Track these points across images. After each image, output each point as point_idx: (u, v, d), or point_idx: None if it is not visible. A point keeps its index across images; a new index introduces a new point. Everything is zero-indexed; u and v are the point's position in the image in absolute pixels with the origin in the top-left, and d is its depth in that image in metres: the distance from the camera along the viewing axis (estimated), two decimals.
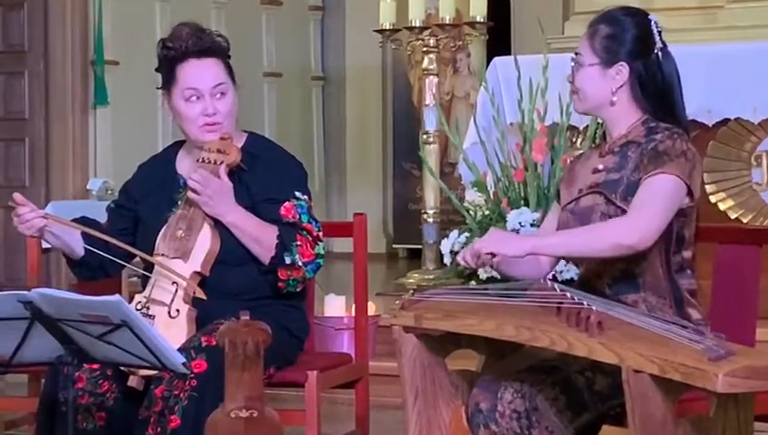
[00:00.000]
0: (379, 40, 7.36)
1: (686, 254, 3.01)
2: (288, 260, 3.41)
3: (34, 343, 2.96)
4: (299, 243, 3.42)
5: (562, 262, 3.85)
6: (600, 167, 3.05)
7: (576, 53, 3.08)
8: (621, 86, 3.02)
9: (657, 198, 2.89)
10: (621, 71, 3.02)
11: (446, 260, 5.55)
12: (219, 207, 3.40)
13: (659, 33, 3.06)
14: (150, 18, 8.81)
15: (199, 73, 3.48)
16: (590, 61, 3.03)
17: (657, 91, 3.05)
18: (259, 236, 3.41)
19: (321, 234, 3.50)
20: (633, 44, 3.02)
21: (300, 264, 3.42)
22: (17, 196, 3.43)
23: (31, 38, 8.36)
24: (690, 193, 2.95)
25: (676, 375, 2.45)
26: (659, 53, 3.04)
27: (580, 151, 3.29)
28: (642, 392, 2.51)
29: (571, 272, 4.26)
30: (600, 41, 3.03)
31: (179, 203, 3.49)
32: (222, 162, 3.43)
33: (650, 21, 3.06)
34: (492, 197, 5.54)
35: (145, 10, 8.81)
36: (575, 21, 7.95)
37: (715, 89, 5.45)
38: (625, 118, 3.05)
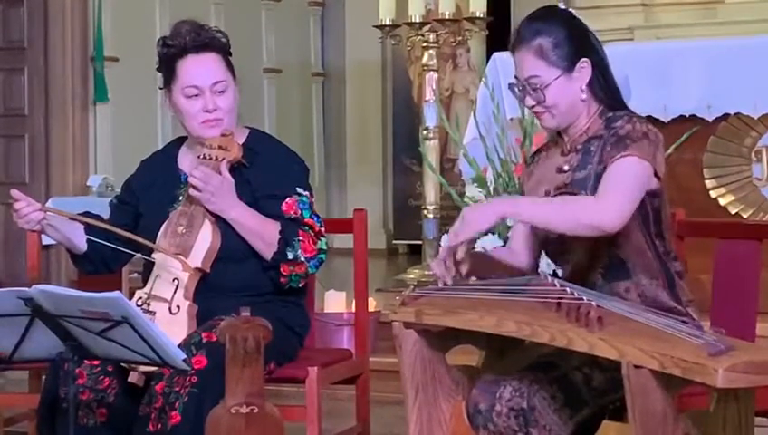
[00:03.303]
0: (379, 36, 7.36)
1: (668, 236, 3.01)
2: (290, 255, 3.41)
3: (35, 339, 2.96)
4: (301, 238, 3.42)
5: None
6: (566, 167, 3.04)
7: (528, 78, 3.01)
8: (586, 82, 3.02)
9: (624, 181, 2.87)
10: (584, 66, 3.00)
11: None
12: (221, 204, 3.40)
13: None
14: (150, 14, 8.81)
15: (199, 69, 3.48)
16: (553, 75, 2.98)
17: (609, 71, 3.06)
18: (261, 232, 3.42)
19: (323, 229, 3.50)
20: (576, 40, 3.01)
21: (302, 259, 3.42)
22: (14, 192, 3.44)
23: (31, 34, 8.37)
24: (657, 174, 2.95)
25: (676, 370, 2.45)
26: (595, 37, 3.05)
27: (534, 152, 3.26)
28: (642, 388, 2.51)
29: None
30: (552, 52, 2.98)
31: (180, 199, 3.50)
32: (223, 159, 3.43)
33: (570, 12, 3.07)
34: (492, 192, 5.54)
35: (145, 6, 8.82)
36: None
37: (715, 84, 5.45)
38: (586, 113, 3.04)
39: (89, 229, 3.53)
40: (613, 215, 2.84)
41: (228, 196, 3.41)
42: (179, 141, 3.67)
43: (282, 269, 3.42)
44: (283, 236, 3.41)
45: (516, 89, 3.06)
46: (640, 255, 2.97)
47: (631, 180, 2.88)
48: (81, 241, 3.55)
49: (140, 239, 3.43)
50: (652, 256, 2.98)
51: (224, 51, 3.53)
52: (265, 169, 3.50)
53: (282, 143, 3.67)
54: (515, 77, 3.06)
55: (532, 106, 3.05)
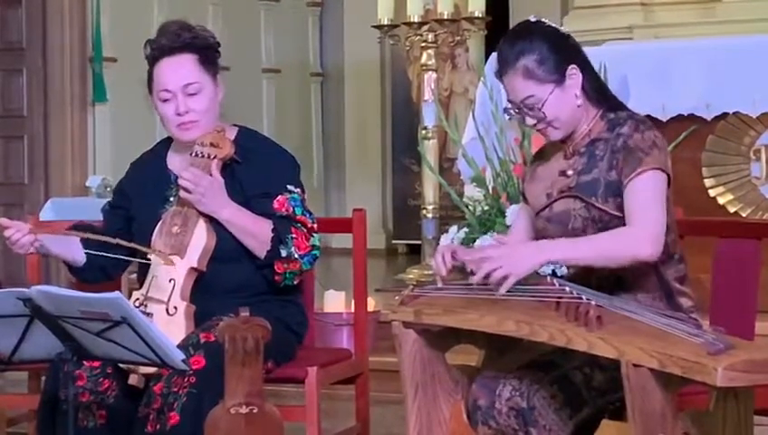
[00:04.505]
0: (378, 35, 7.35)
1: (669, 239, 2.98)
2: (284, 253, 3.40)
3: (34, 340, 2.96)
4: (294, 235, 3.42)
5: None
6: (570, 172, 3.03)
7: (523, 100, 2.99)
8: (579, 87, 3.01)
9: (649, 202, 2.88)
10: (574, 73, 2.99)
11: None
12: (212, 205, 3.39)
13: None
14: (148, 15, 8.81)
15: (170, 73, 3.47)
16: (547, 91, 2.97)
17: (594, 71, 3.06)
18: (254, 231, 3.41)
19: (315, 225, 3.50)
20: (559, 49, 2.99)
21: (296, 256, 3.42)
22: (1, 220, 3.43)
23: (29, 35, 8.37)
24: (669, 180, 2.95)
25: (676, 369, 2.45)
26: (572, 40, 3.05)
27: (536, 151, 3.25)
28: (642, 387, 2.51)
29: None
30: (538, 69, 2.97)
31: (171, 200, 3.49)
32: (215, 156, 3.43)
33: (542, 22, 3.04)
34: (491, 192, 5.54)
35: (143, 6, 8.82)
36: (574, 16, 7.96)
37: (714, 83, 5.44)
38: (585, 117, 3.03)
39: (85, 241, 3.51)
40: (650, 245, 2.85)
41: (219, 196, 3.40)
42: (168, 141, 3.65)
43: (276, 267, 3.42)
44: (275, 234, 3.40)
45: (513, 111, 3.05)
46: (636, 270, 2.95)
47: (655, 199, 2.89)
48: (78, 254, 3.54)
49: (134, 245, 3.42)
50: (650, 271, 2.96)
51: (202, 51, 3.49)
52: (255, 168, 3.49)
53: (271, 140, 3.66)
54: (509, 100, 3.05)
55: (534, 124, 3.04)
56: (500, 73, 3.04)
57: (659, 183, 2.91)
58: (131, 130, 8.52)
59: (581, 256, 2.91)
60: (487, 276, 2.85)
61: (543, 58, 2.97)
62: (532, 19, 3.06)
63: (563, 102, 2.99)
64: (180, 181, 3.38)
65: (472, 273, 2.94)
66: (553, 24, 3.07)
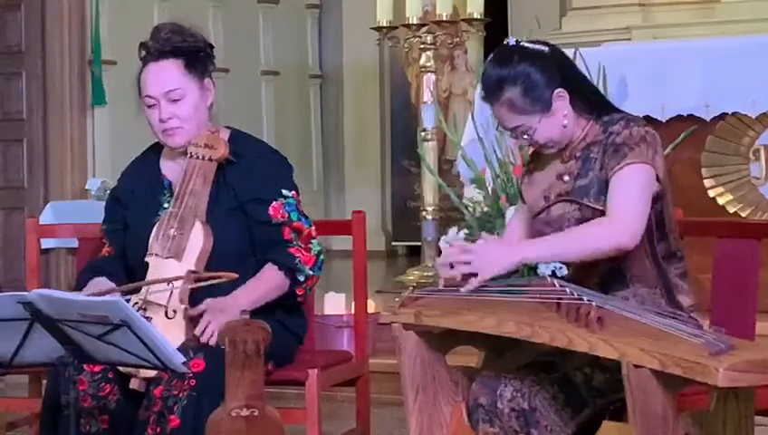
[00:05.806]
0: (377, 37, 7.35)
1: (671, 238, 3.00)
2: (302, 278, 3.41)
3: (35, 343, 2.96)
4: (297, 256, 3.42)
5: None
6: (566, 177, 3.03)
7: (513, 128, 3.00)
8: (568, 106, 3.00)
9: (632, 192, 2.88)
10: (561, 96, 2.98)
11: None
12: (230, 313, 3.31)
13: (534, 42, 3.03)
14: (148, 17, 8.79)
15: (153, 79, 3.47)
16: (534, 120, 2.97)
17: (583, 81, 3.06)
18: (269, 289, 3.40)
19: (312, 229, 3.49)
20: (542, 74, 2.96)
21: (310, 273, 3.43)
22: None
23: (28, 38, 8.35)
24: (657, 177, 2.94)
25: (677, 370, 2.45)
26: (555, 55, 3.02)
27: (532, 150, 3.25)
28: (643, 387, 2.51)
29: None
30: (524, 101, 2.96)
31: (166, 206, 3.48)
32: (210, 157, 3.42)
33: (523, 46, 3.00)
34: (490, 193, 5.54)
35: (142, 9, 8.81)
36: (572, 16, 7.96)
37: (713, 83, 5.45)
38: (579, 128, 3.03)
39: (108, 276, 3.51)
40: (629, 233, 2.85)
41: (229, 303, 3.34)
42: (158, 146, 3.63)
43: (297, 291, 3.43)
44: (284, 269, 3.40)
45: (506, 132, 3.07)
46: (638, 264, 2.96)
47: (637, 191, 2.89)
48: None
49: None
50: (650, 265, 2.97)
51: (189, 56, 3.48)
52: (248, 172, 3.47)
53: (263, 142, 3.65)
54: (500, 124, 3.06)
55: (529, 144, 3.07)
56: (486, 101, 3.05)
57: (642, 176, 2.90)
58: (131, 134, 8.49)
59: (558, 252, 2.92)
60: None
61: (527, 88, 2.96)
62: (512, 42, 3.03)
63: (554, 125, 3.00)
64: (207, 335, 3.27)
65: (451, 266, 2.96)
66: (535, 46, 3.02)
